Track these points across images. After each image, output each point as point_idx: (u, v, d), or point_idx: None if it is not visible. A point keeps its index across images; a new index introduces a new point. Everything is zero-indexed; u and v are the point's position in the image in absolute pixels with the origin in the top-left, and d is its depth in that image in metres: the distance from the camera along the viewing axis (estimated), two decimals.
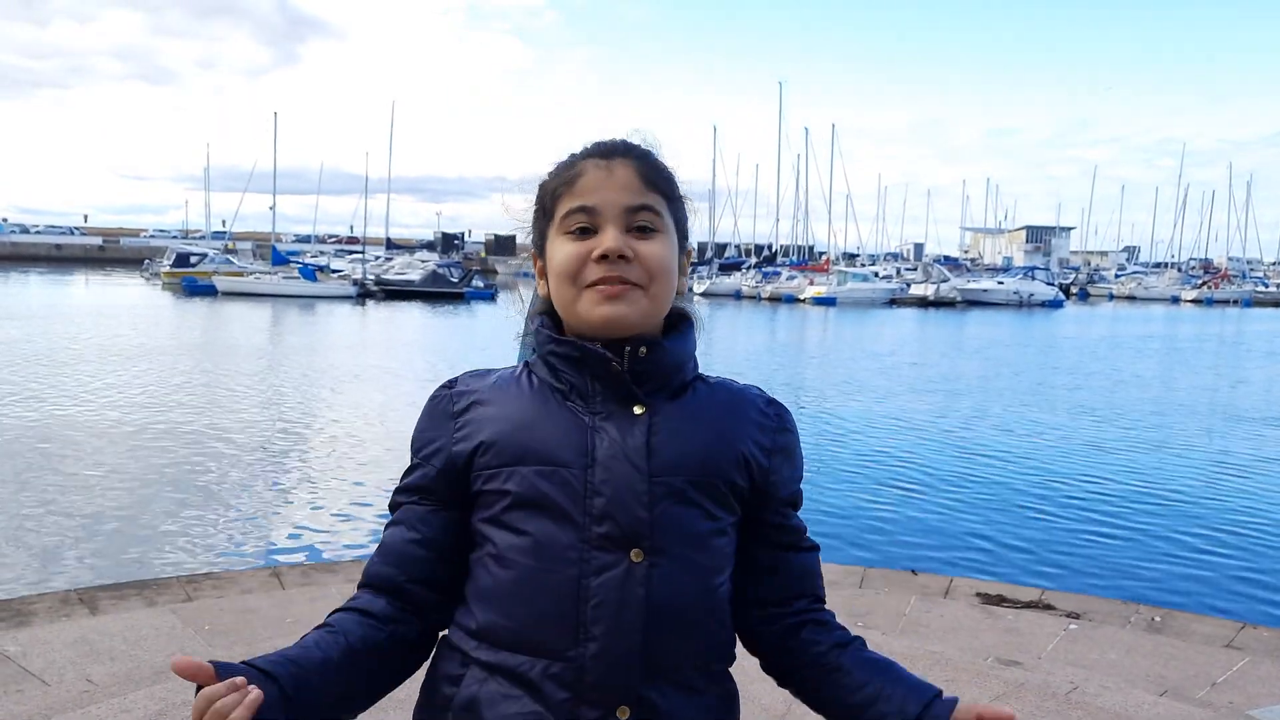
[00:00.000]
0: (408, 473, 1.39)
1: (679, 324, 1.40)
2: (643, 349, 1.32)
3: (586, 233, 1.33)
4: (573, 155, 1.38)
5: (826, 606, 1.44)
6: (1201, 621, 5.45)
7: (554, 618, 1.27)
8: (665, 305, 1.37)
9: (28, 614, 4.73)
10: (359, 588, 1.37)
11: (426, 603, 1.35)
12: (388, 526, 1.39)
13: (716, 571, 1.34)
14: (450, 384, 1.42)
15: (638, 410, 1.32)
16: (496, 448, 1.32)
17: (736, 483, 1.35)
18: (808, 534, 1.45)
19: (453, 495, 1.35)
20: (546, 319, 1.39)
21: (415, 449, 1.39)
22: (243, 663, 1.15)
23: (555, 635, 1.27)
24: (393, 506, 1.40)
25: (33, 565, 7.29)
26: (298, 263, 49.80)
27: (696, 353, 1.43)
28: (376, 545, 1.39)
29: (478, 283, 50.75)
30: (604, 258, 1.30)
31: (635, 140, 1.41)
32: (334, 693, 1.25)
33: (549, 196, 1.37)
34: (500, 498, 1.31)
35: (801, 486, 1.46)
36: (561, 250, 1.33)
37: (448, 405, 1.38)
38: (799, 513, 1.44)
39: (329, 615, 1.35)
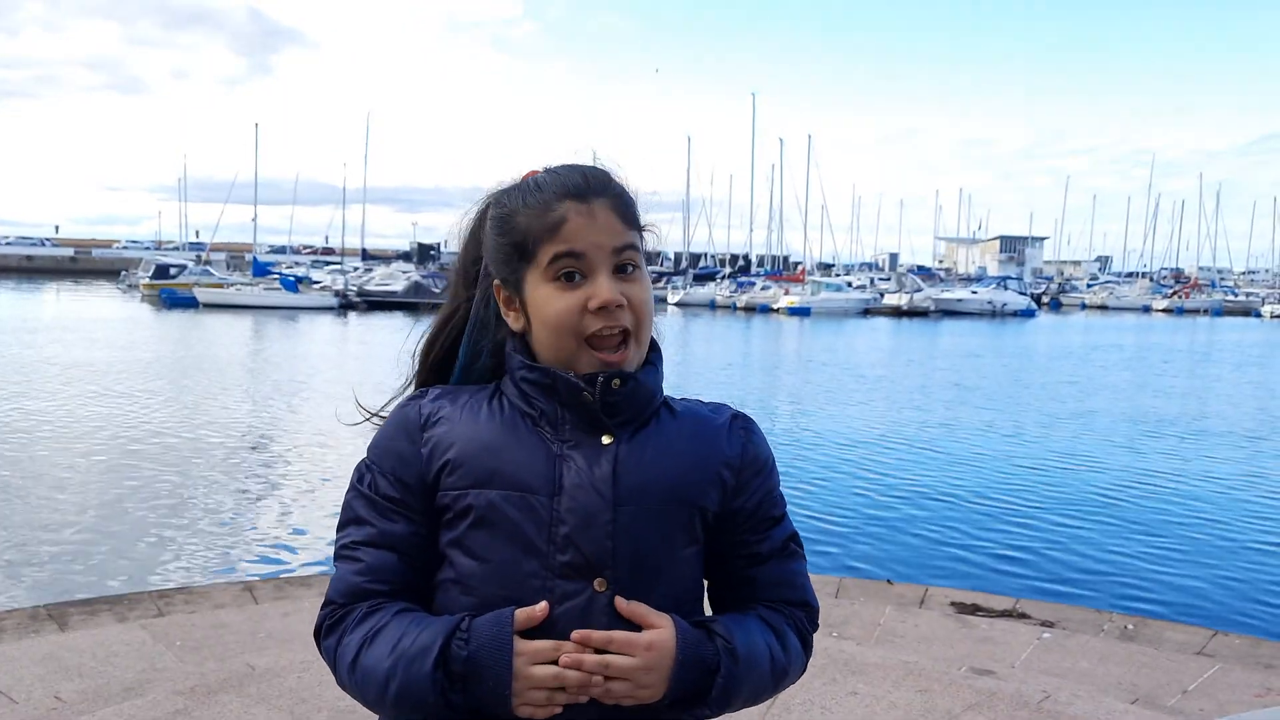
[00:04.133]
0: (367, 484, 1.36)
1: (649, 354, 1.40)
2: (616, 381, 1.32)
3: (573, 277, 1.32)
4: (548, 192, 1.35)
5: (796, 611, 1.43)
6: (1174, 629, 5.49)
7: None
8: (648, 344, 1.38)
9: None
10: (363, 609, 1.32)
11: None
12: (345, 552, 1.35)
13: (685, 602, 1.35)
14: (420, 394, 1.41)
15: (605, 440, 1.32)
16: (464, 469, 1.32)
17: (707, 507, 1.36)
18: (791, 542, 1.44)
19: (419, 506, 1.34)
20: (518, 342, 1.39)
21: (376, 461, 1.37)
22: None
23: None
24: (345, 524, 1.37)
25: (2, 582, 7.19)
26: (278, 274, 49.47)
27: (668, 368, 1.44)
28: (338, 573, 1.35)
29: None
30: (602, 308, 1.31)
31: (600, 165, 1.40)
32: None
33: (529, 240, 1.34)
34: (463, 519, 1.32)
35: (781, 493, 1.46)
36: (554, 301, 1.32)
37: (416, 417, 1.37)
38: (784, 520, 1.45)
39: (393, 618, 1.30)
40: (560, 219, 1.33)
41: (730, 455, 1.39)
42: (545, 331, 1.34)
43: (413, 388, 1.48)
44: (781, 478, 1.48)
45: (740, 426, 1.43)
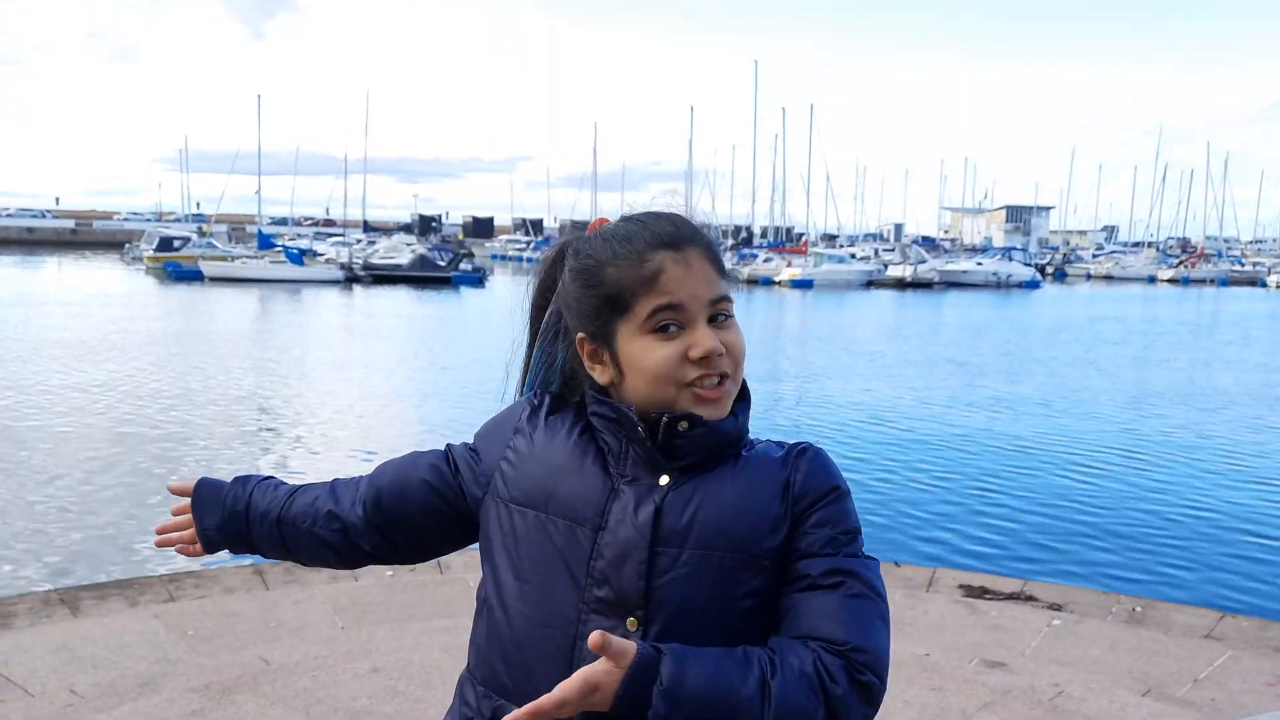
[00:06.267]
0: (460, 442, 1.51)
1: (735, 402, 1.37)
2: (683, 424, 1.30)
3: (668, 328, 1.30)
4: (639, 243, 1.33)
5: (826, 655, 1.23)
6: (1182, 611, 5.49)
7: (548, 674, 1.28)
8: (739, 385, 1.37)
9: (8, 615, 4.68)
10: (368, 479, 1.54)
11: (379, 543, 1.51)
12: (422, 450, 1.54)
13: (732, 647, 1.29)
14: (537, 398, 1.44)
15: (663, 480, 1.31)
16: (526, 485, 1.36)
17: (763, 552, 1.30)
18: (848, 577, 1.29)
19: (467, 488, 1.44)
20: (597, 391, 1.38)
21: (477, 433, 1.49)
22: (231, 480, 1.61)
23: (548, 692, 1.28)
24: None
25: (12, 564, 7.22)
26: (283, 246, 49.26)
27: None
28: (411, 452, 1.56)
29: (466, 266, 50.26)
30: (704, 358, 1.30)
31: (678, 209, 1.39)
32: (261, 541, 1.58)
33: (624, 293, 1.32)
34: (511, 535, 1.35)
35: (848, 526, 1.35)
36: (654, 353, 1.31)
37: (518, 417, 1.43)
38: (845, 555, 1.32)
39: (331, 484, 1.57)
40: (657, 270, 1.31)
41: (785, 490, 1.33)
42: (642, 381, 1.32)
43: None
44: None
45: (800, 458, 1.36)
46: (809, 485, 1.34)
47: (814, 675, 1.21)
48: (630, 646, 1.17)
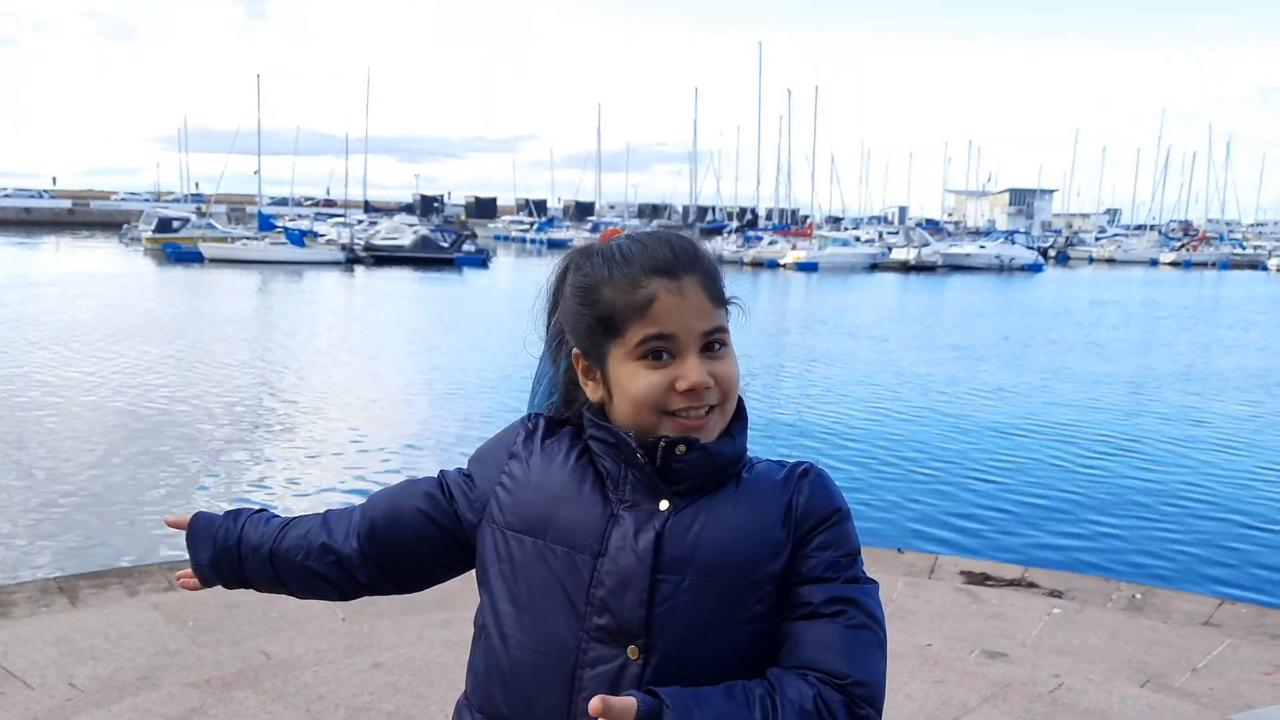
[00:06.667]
0: (455, 467, 1.49)
1: (731, 423, 1.35)
2: (681, 447, 1.28)
3: (659, 355, 1.28)
4: (635, 266, 1.31)
5: (826, 689, 1.23)
6: (1181, 598, 5.51)
7: (546, 703, 1.28)
8: (731, 413, 1.34)
9: (7, 604, 4.69)
10: (361, 510, 1.53)
11: (375, 574, 1.49)
12: (416, 478, 1.54)
13: (734, 674, 1.26)
14: (531, 422, 1.43)
15: (663, 505, 1.29)
16: (523, 511, 1.34)
17: (765, 578, 1.28)
18: (849, 606, 1.28)
19: (462, 514, 1.42)
20: (595, 408, 1.36)
21: (471, 458, 1.47)
22: (223, 514, 1.58)
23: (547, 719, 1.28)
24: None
25: (9, 551, 7.22)
26: (283, 228, 49.05)
27: None
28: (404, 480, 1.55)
29: (469, 247, 50.03)
30: (690, 390, 1.27)
31: (672, 230, 1.38)
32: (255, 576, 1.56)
33: (615, 316, 1.30)
34: (508, 562, 1.34)
35: (850, 550, 1.33)
36: (640, 379, 1.29)
37: (513, 441, 1.41)
38: (844, 581, 1.30)
39: (324, 516, 1.55)
40: (650, 298, 1.28)
41: (788, 513, 1.31)
42: (626, 404, 1.30)
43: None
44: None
45: (802, 479, 1.34)
46: (811, 508, 1.32)
47: (814, 713, 1.21)
48: (631, 705, 1.14)
